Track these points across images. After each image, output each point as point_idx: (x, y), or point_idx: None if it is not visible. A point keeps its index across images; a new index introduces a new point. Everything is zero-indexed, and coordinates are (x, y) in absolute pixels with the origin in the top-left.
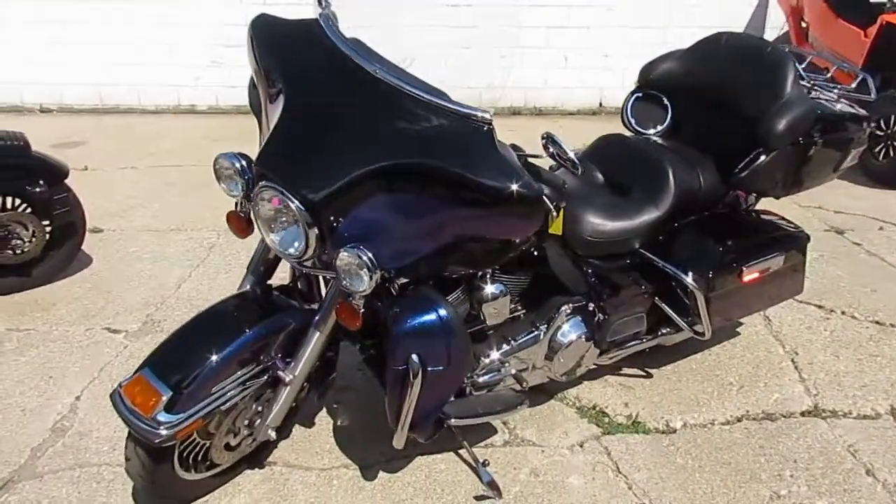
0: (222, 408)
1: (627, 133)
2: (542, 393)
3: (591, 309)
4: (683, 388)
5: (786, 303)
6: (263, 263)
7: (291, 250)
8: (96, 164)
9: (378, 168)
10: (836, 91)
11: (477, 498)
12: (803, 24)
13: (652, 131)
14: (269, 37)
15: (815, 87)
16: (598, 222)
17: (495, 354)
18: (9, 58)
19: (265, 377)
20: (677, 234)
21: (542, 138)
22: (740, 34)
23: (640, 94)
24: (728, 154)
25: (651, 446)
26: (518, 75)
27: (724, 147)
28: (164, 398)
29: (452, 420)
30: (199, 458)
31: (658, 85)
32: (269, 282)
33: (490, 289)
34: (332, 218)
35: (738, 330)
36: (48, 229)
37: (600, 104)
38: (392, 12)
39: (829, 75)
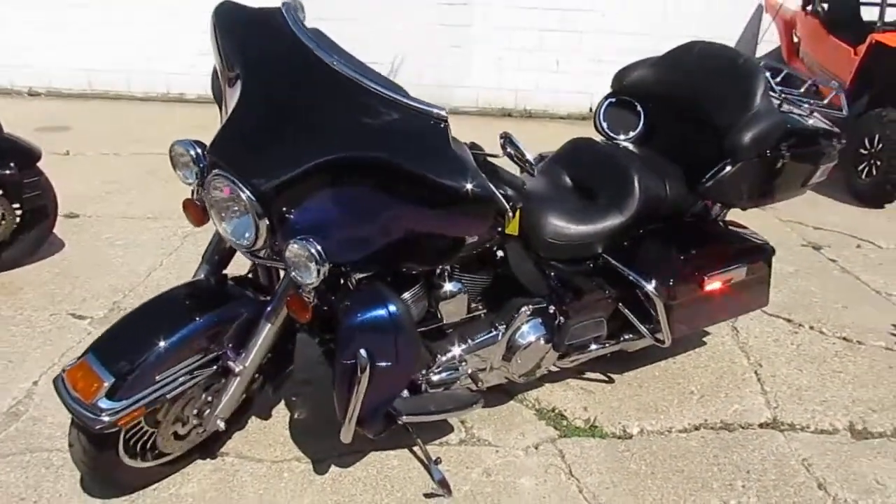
0: (168, 396)
1: (599, 138)
2: (502, 393)
3: (551, 311)
4: (644, 394)
5: (754, 315)
6: (218, 252)
7: (242, 240)
8: (79, 148)
9: (330, 160)
10: (807, 106)
11: (426, 495)
12: (795, 40)
13: (623, 137)
14: (231, 23)
15: (787, 101)
16: (561, 225)
17: (453, 352)
18: None
19: (215, 367)
20: (642, 241)
21: (501, 138)
22: (714, 44)
23: (614, 100)
24: (697, 163)
25: (606, 451)
26: (510, 77)
27: (694, 156)
28: (106, 384)
29: (404, 417)
30: (146, 446)
31: (631, 91)
32: (227, 272)
33: (448, 287)
34: (283, 209)
35: (703, 339)
36: (18, 212)
37: (590, 109)
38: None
39: (802, 90)
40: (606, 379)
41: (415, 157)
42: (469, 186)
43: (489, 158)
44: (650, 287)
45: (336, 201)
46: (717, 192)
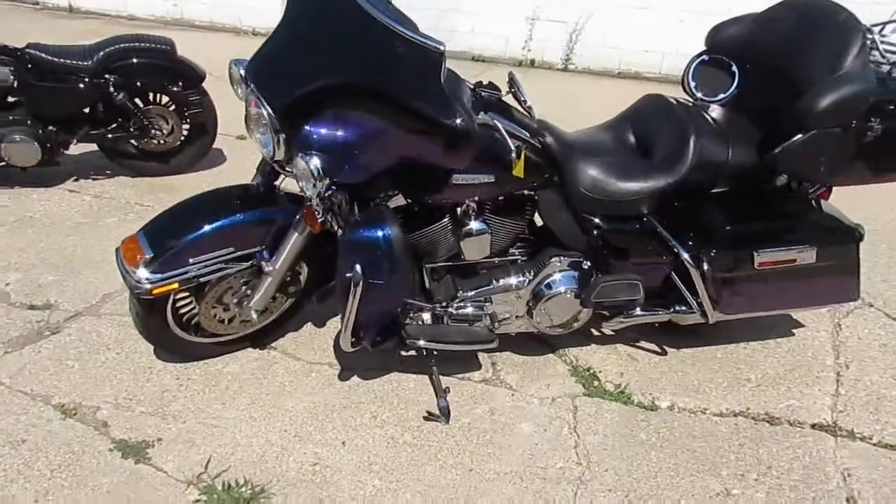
0: (201, 279)
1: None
2: (544, 345)
3: (584, 266)
4: (692, 372)
5: (871, 314)
6: (268, 163)
7: (266, 151)
8: None
9: (333, 83)
10: None
11: (425, 417)
12: None
13: (712, 98)
14: None
15: None
16: (600, 179)
17: (479, 291)
18: None
19: (250, 262)
20: (694, 207)
21: (509, 76)
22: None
23: (707, 59)
24: (780, 130)
25: (622, 416)
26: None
27: (778, 121)
28: (147, 257)
29: (411, 340)
30: (193, 322)
31: (724, 49)
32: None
33: (472, 225)
34: (295, 126)
35: (793, 330)
36: (185, 126)
37: None
38: None
39: None
40: (659, 350)
41: (406, 86)
42: (445, 119)
43: (503, 99)
44: (686, 255)
45: (338, 122)
46: (787, 162)
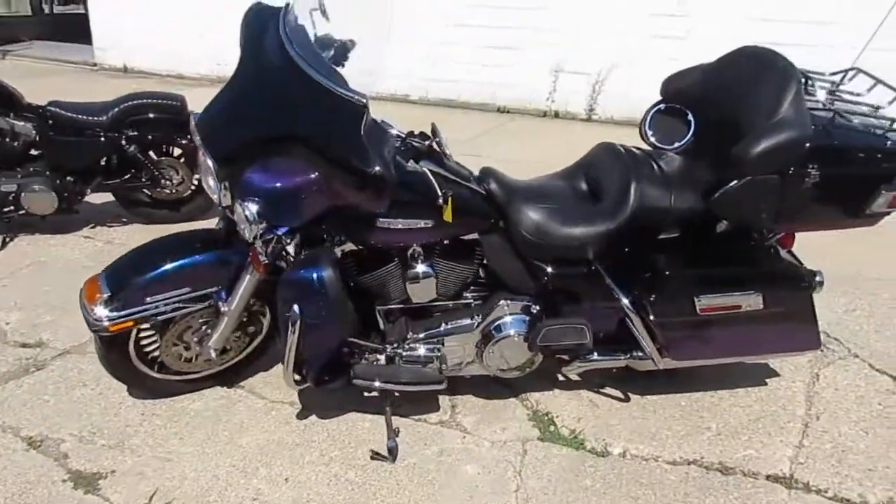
0: (158, 318)
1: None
2: (507, 389)
3: (533, 310)
4: (652, 419)
5: (854, 366)
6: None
7: (214, 198)
8: None
9: (263, 135)
10: (883, 121)
11: (371, 458)
12: None
13: (669, 146)
14: (245, 20)
15: (846, 114)
16: (544, 224)
17: (430, 333)
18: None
19: (207, 303)
20: (641, 252)
21: (431, 127)
22: (761, 48)
23: (663, 107)
24: (720, 176)
25: (570, 462)
26: None
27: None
28: (105, 296)
29: (358, 380)
30: (158, 360)
31: (676, 98)
32: None
33: (418, 268)
34: (234, 174)
35: (766, 380)
36: (196, 176)
37: None
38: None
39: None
40: (622, 397)
41: (331, 136)
42: (369, 168)
43: (442, 148)
44: (626, 301)
45: (271, 170)
46: (725, 208)
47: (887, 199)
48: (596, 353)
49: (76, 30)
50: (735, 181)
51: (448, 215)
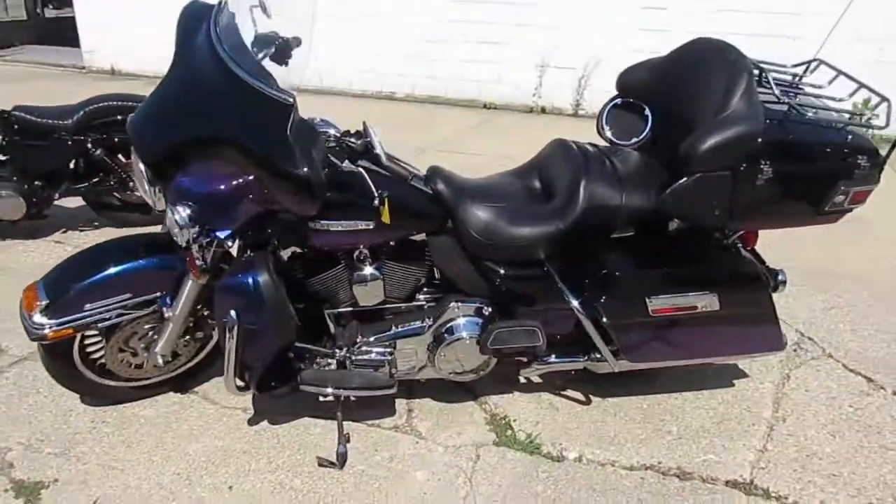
0: (100, 325)
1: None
2: (467, 393)
3: (485, 312)
4: (612, 423)
5: (827, 366)
6: None
7: (149, 202)
8: None
9: (196, 136)
10: (841, 115)
11: (319, 464)
12: None
13: (626, 142)
14: (179, 18)
15: (798, 108)
16: (492, 223)
17: (381, 336)
18: None
19: (151, 308)
20: (592, 252)
21: (363, 125)
22: (714, 40)
23: (619, 102)
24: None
25: (524, 467)
26: None
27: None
28: (41, 304)
29: (305, 385)
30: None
31: (631, 93)
32: None
33: (365, 271)
34: (165, 177)
35: (734, 381)
36: None
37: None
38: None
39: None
40: (583, 399)
41: (257, 136)
42: (296, 169)
43: (373, 149)
44: (575, 302)
45: (201, 173)
46: (673, 206)
47: (847, 195)
48: (553, 356)
49: (69, 33)
50: (684, 178)
51: (385, 216)
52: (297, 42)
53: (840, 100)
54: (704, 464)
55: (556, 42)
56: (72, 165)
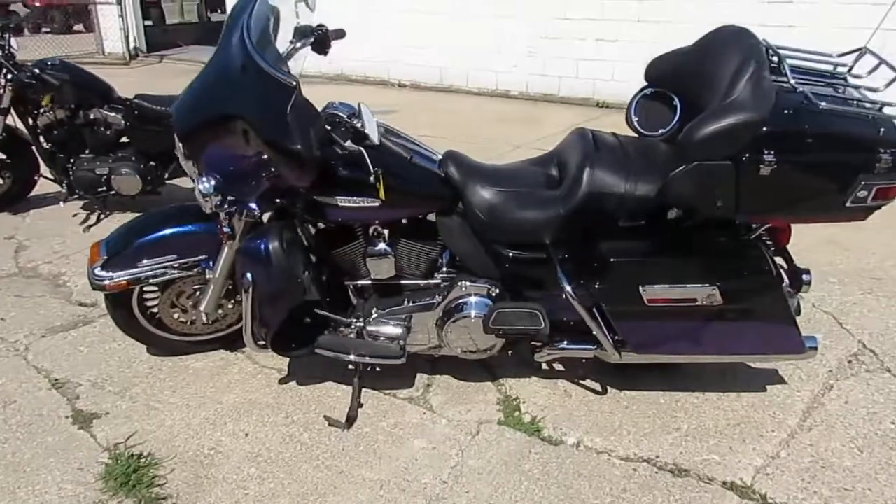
0: (151, 281)
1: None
2: (486, 373)
3: (492, 293)
4: (621, 414)
5: (881, 381)
6: None
7: (190, 175)
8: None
9: (218, 114)
10: (864, 104)
11: (327, 422)
12: None
13: (655, 133)
14: (231, 10)
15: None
16: (500, 206)
17: (395, 310)
18: (381, 42)
19: (196, 270)
20: (596, 239)
21: (358, 106)
22: (736, 27)
23: (649, 92)
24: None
25: (518, 447)
26: None
27: None
28: (102, 259)
29: (319, 349)
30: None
31: (659, 82)
32: None
33: (378, 247)
34: (197, 152)
35: (767, 385)
36: None
37: None
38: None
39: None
40: (599, 390)
41: (261, 115)
42: (292, 146)
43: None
44: (568, 287)
45: (222, 148)
46: (672, 194)
47: (870, 190)
48: (565, 342)
49: None
50: (683, 166)
51: (381, 192)
52: (337, 34)
53: (875, 90)
54: (704, 463)
55: (668, 40)
56: None
